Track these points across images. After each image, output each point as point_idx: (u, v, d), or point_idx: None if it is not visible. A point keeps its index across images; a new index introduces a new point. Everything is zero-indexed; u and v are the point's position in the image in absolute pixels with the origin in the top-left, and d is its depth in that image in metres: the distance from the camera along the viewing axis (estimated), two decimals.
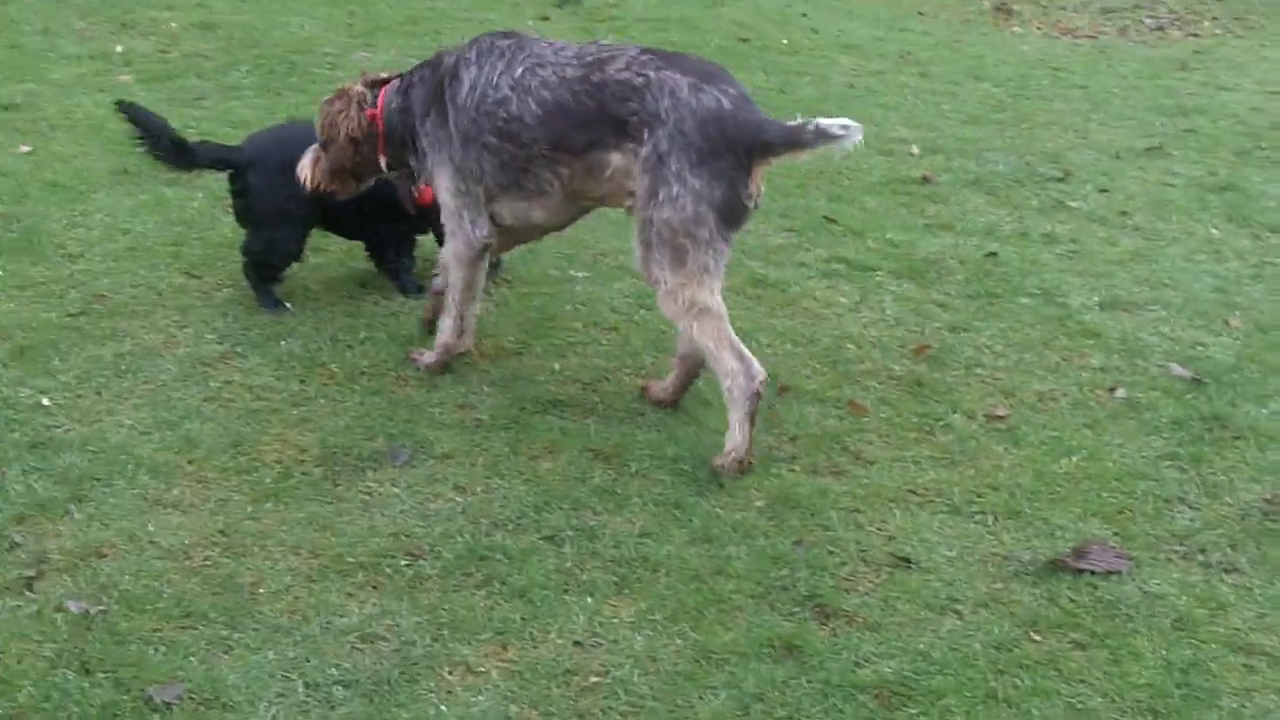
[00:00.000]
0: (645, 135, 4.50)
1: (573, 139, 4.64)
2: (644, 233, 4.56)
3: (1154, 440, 5.04)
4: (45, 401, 4.78)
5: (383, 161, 5.17)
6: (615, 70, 4.59)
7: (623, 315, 5.74)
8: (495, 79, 4.77)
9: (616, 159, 4.59)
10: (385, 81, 5.19)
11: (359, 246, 5.94)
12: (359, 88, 5.19)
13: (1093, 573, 4.19)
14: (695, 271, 4.51)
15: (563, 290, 5.91)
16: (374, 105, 5.13)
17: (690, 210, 4.44)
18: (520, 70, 4.73)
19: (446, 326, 5.14)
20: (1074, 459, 4.85)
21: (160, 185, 6.80)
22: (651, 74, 4.54)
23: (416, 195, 5.35)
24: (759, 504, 4.46)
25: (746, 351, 4.60)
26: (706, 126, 4.43)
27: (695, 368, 4.95)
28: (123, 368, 5.03)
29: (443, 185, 4.98)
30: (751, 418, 4.59)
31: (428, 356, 5.18)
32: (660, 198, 4.47)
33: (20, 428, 4.61)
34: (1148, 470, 4.82)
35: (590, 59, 4.67)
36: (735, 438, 4.61)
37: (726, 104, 4.48)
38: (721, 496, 4.49)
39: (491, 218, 4.98)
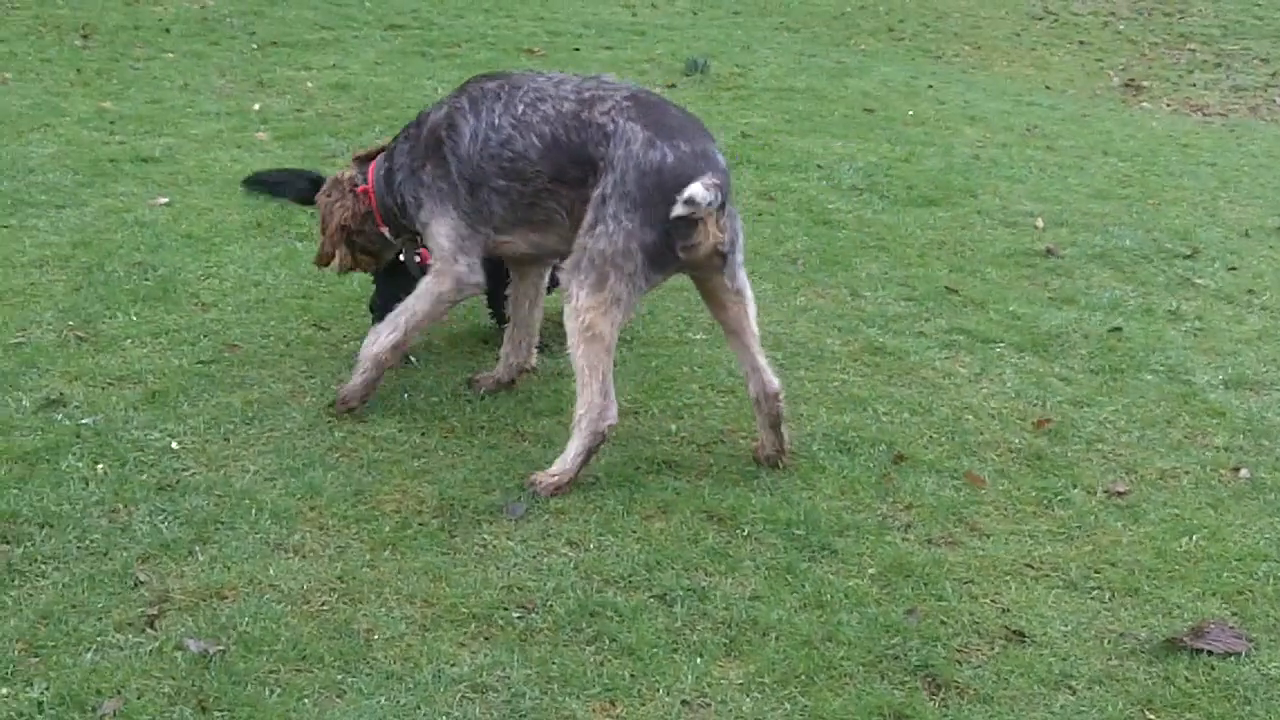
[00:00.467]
0: (602, 177, 4.71)
1: (569, 172, 4.82)
2: (576, 256, 4.73)
3: (1277, 521, 4.94)
4: (174, 445, 4.91)
5: (386, 232, 5.30)
6: (599, 112, 4.79)
7: (739, 379, 5.73)
8: (496, 120, 4.92)
9: (594, 194, 4.75)
10: (375, 155, 5.35)
11: (479, 303, 6.04)
12: (349, 171, 5.37)
13: (1210, 653, 4.11)
14: (608, 299, 4.67)
15: (680, 352, 5.95)
16: (365, 181, 5.28)
17: (621, 244, 4.64)
18: (521, 107, 4.90)
19: (386, 343, 5.19)
20: (1195, 538, 4.78)
21: (292, 239, 6.97)
22: (621, 122, 4.73)
23: (419, 260, 5.42)
24: (872, 571, 4.44)
25: (613, 393, 4.79)
26: (645, 179, 4.63)
27: (773, 416, 5.02)
28: (250, 415, 5.16)
29: (440, 231, 5.07)
30: (588, 454, 4.78)
31: (351, 381, 5.27)
32: (597, 230, 4.67)
33: (149, 470, 4.74)
34: (1270, 551, 4.72)
35: (587, 95, 4.87)
36: (566, 463, 4.78)
37: (670, 159, 4.64)
38: (834, 562, 4.48)
39: (506, 246, 5.12)
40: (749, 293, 4.97)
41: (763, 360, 5.01)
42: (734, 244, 4.83)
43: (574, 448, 4.78)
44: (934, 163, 9.26)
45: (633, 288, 4.70)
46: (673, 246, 4.66)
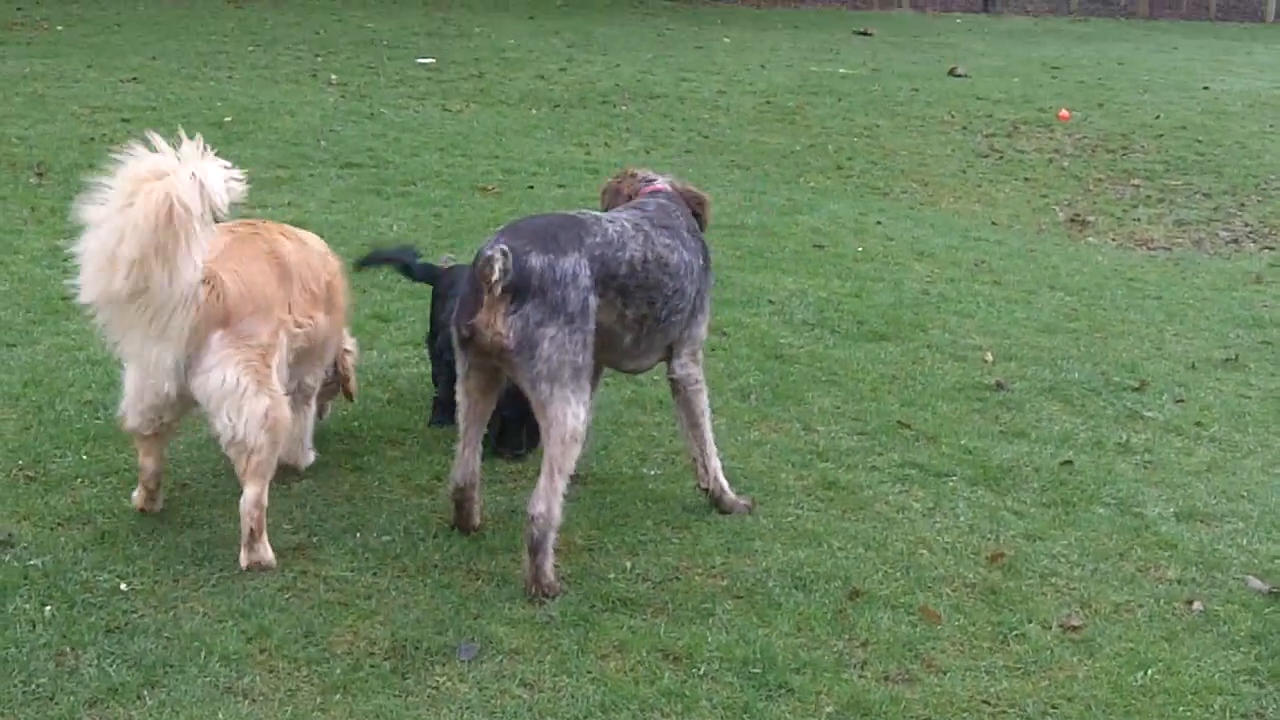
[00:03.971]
0: None
1: None
2: None
3: (1232, 655, 4.95)
4: (123, 586, 4.85)
5: None
6: None
7: (695, 514, 5.76)
8: None
9: None
10: None
11: (436, 439, 6.04)
12: None
13: None
14: None
15: (635, 487, 5.95)
16: None
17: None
18: None
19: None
20: (1150, 672, 4.78)
21: None
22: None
23: None
24: (829, 710, 4.41)
25: (457, 451, 5.39)
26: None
27: (527, 537, 5.13)
28: (200, 555, 5.11)
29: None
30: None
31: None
32: None
33: (97, 611, 4.68)
34: (1225, 685, 4.73)
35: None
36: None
37: (487, 249, 4.99)
38: (791, 701, 4.45)
39: None
40: (551, 414, 5.03)
41: (542, 484, 5.07)
42: (531, 352, 4.97)
43: None
44: (884, 298, 9.36)
45: (460, 360, 5.26)
46: (460, 322, 5.09)
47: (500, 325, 4.97)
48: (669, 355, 5.68)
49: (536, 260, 4.98)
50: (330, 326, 5.69)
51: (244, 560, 5.03)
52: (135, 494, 5.43)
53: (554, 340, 4.97)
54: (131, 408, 5.19)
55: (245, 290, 5.08)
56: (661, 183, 5.91)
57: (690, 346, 5.70)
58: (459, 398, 5.36)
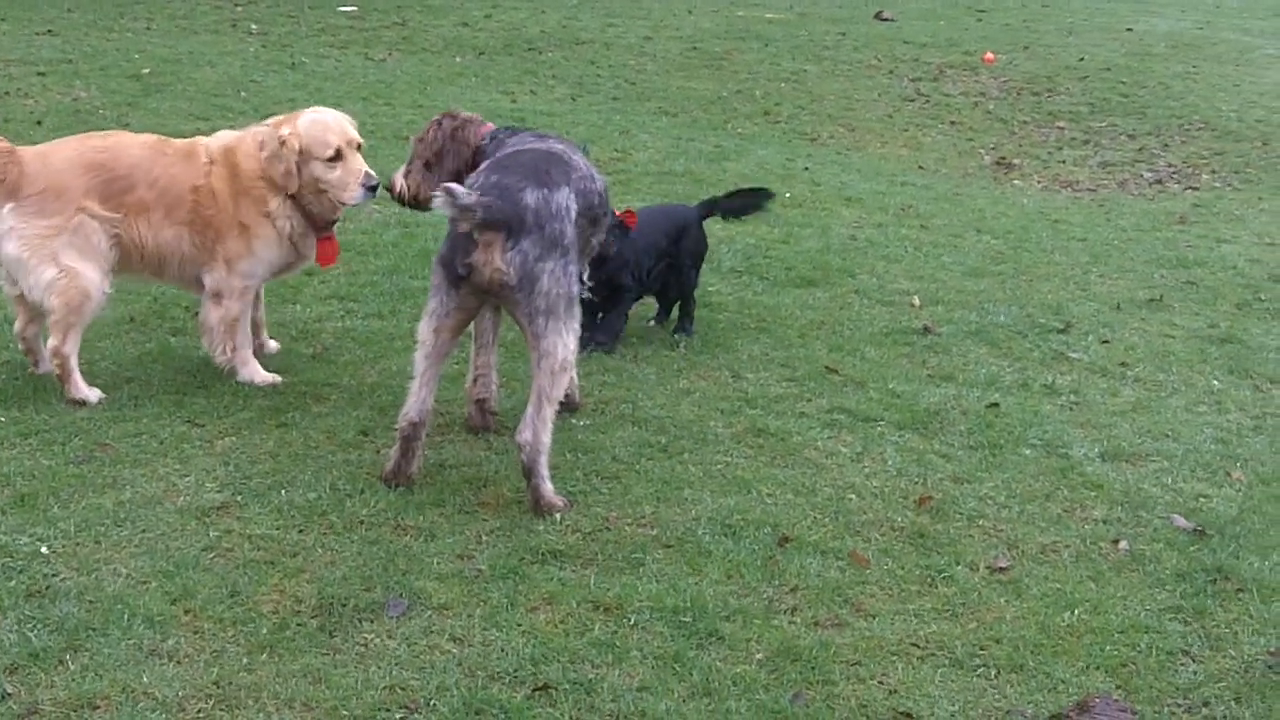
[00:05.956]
0: None
1: None
2: None
3: (1158, 593, 5.00)
4: (44, 549, 4.77)
5: None
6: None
7: (624, 464, 5.74)
8: None
9: None
10: None
11: (361, 393, 6.00)
12: None
13: None
14: (426, 309, 5.33)
15: (563, 438, 5.91)
16: None
17: (434, 261, 5.35)
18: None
19: None
20: (1077, 612, 4.82)
21: (165, 334, 6.86)
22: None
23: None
24: (759, 656, 4.42)
25: (417, 392, 5.38)
26: None
27: (522, 464, 5.30)
28: (122, 516, 5.03)
29: None
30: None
31: None
32: None
33: (17, 575, 4.59)
34: (1151, 623, 4.78)
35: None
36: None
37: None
38: (722, 649, 4.45)
39: None
40: (545, 346, 5.15)
41: (529, 411, 5.22)
42: (531, 287, 5.06)
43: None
44: (812, 244, 9.36)
45: (441, 299, 5.26)
46: (455, 261, 5.12)
47: (500, 262, 5.04)
48: None
49: (531, 196, 5.08)
50: (179, 235, 6.12)
51: (66, 397, 5.94)
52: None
53: (552, 274, 5.08)
54: None
55: (39, 171, 5.84)
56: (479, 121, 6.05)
57: None
58: (427, 336, 5.34)
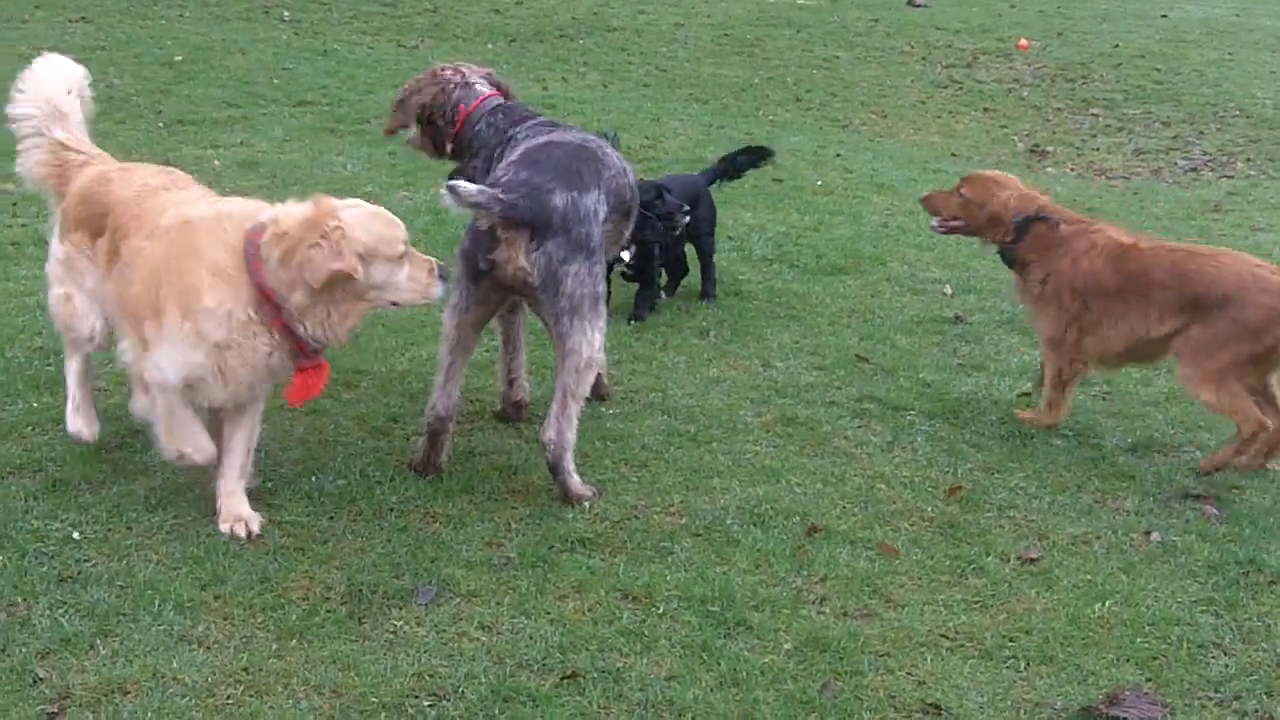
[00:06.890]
0: None
1: None
2: None
3: (1189, 585, 4.97)
4: (75, 535, 4.80)
5: None
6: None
7: (653, 452, 5.74)
8: None
9: None
10: None
11: (390, 381, 6.02)
12: None
13: None
14: (451, 300, 5.33)
15: (593, 427, 5.91)
16: None
17: (456, 252, 5.35)
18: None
19: None
20: (1108, 603, 4.79)
21: None
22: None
23: None
24: (787, 646, 4.41)
25: (443, 385, 5.38)
26: None
27: (548, 460, 5.30)
28: (154, 503, 5.05)
29: None
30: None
31: None
32: None
33: (49, 561, 4.62)
34: (1183, 615, 4.75)
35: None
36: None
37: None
38: (750, 638, 4.44)
39: None
40: (570, 344, 5.14)
41: (554, 409, 5.23)
42: (555, 288, 5.04)
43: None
44: (843, 231, 9.33)
45: (462, 292, 5.29)
46: (477, 255, 5.13)
47: (523, 261, 5.03)
48: None
49: (560, 199, 5.04)
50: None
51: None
52: None
53: (576, 276, 5.06)
54: None
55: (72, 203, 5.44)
56: (483, 85, 5.94)
57: None
58: (450, 329, 5.37)
